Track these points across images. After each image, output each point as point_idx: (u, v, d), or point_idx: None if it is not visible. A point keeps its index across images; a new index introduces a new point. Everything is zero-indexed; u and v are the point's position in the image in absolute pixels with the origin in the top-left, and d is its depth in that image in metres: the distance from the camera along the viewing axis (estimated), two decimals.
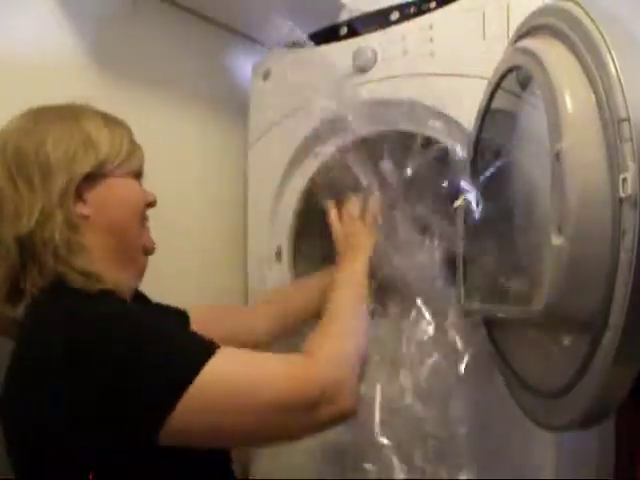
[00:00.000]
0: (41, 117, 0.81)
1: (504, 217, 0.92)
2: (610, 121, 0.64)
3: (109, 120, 0.85)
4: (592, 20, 0.68)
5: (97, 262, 0.77)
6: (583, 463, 1.08)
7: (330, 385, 0.72)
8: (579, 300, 0.66)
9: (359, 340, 0.84)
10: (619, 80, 0.63)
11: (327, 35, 1.23)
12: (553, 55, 0.73)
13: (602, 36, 0.66)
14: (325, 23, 1.26)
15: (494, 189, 0.94)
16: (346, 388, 0.74)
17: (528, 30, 0.84)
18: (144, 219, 0.86)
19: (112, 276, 0.78)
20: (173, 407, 0.65)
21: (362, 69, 1.16)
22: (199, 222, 1.37)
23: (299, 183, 1.27)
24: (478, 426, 0.99)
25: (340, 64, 1.18)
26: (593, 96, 0.66)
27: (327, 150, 1.23)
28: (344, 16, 1.31)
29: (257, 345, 1.01)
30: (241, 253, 1.37)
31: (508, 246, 0.92)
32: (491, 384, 0.96)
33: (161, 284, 0.95)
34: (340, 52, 1.19)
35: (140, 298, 0.91)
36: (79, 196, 0.78)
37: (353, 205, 1.11)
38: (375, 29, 1.16)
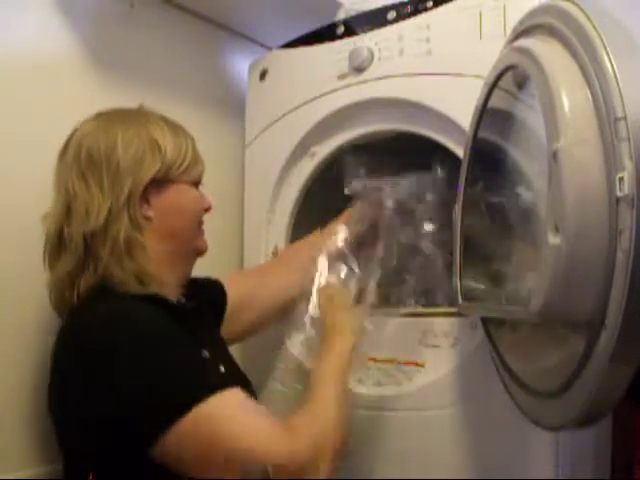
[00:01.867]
0: (111, 121, 0.86)
1: (500, 217, 0.92)
2: (607, 120, 0.64)
3: (174, 127, 0.90)
4: (589, 19, 0.68)
5: (151, 263, 0.83)
6: (581, 463, 1.08)
7: (301, 465, 0.72)
8: (576, 300, 0.66)
9: (339, 424, 0.81)
10: (616, 79, 0.63)
11: (324, 34, 1.23)
12: (550, 54, 0.72)
13: (599, 35, 0.66)
14: (322, 22, 1.26)
15: (490, 189, 0.94)
16: (317, 472, 0.74)
17: (525, 29, 0.84)
18: (201, 223, 0.93)
19: (161, 278, 0.83)
20: (169, 426, 0.69)
21: (359, 68, 1.16)
22: None
23: (296, 182, 1.27)
24: (478, 426, 0.99)
25: (337, 63, 1.18)
26: (590, 95, 0.66)
27: (324, 150, 1.24)
28: (341, 15, 1.31)
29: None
30: (238, 252, 1.36)
31: (505, 246, 0.92)
32: (489, 384, 0.96)
33: None
34: (337, 51, 1.19)
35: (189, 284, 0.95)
36: (145, 199, 0.84)
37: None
38: (372, 28, 1.16)
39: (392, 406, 1.07)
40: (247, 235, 1.35)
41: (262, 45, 1.52)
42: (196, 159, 0.91)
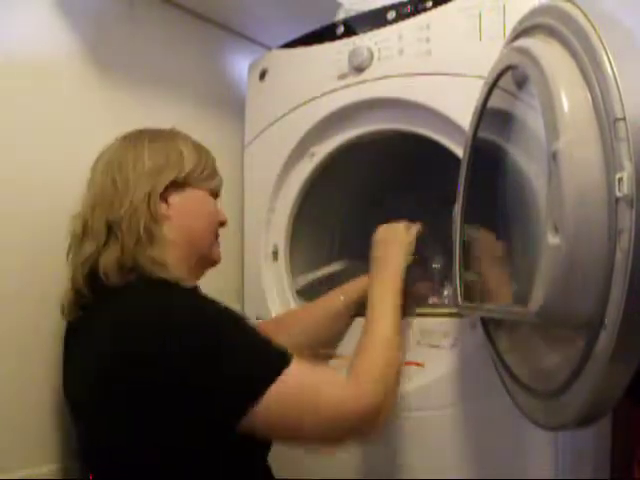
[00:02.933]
0: (140, 138, 0.93)
1: (500, 216, 0.92)
2: (606, 121, 0.64)
3: (199, 145, 0.97)
4: (588, 20, 0.68)
5: (170, 255, 0.87)
6: (580, 463, 1.08)
7: (373, 412, 0.80)
8: (575, 300, 0.66)
9: (396, 362, 0.88)
10: (615, 80, 0.63)
11: (324, 34, 1.23)
12: (549, 54, 0.72)
13: (598, 36, 0.66)
14: (322, 22, 1.26)
15: (490, 188, 0.94)
16: (383, 416, 0.82)
17: (524, 29, 0.84)
18: (217, 234, 0.98)
19: (179, 272, 0.87)
20: (257, 401, 0.74)
21: (358, 68, 1.16)
22: None
23: (296, 182, 1.28)
24: (478, 426, 0.99)
25: (337, 63, 1.19)
26: (589, 96, 0.66)
27: (323, 150, 1.24)
28: (341, 15, 1.31)
29: None
30: (238, 252, 1.37)
31: (505, 246, 0.92)
32: (489, 384, 0.97)
33: None
34: (337, 51, 1.19)
35: None
36: (164, 199, 0.89)
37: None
38: (371, 28, 1.16)
39: None
40: (247, 235, 1.35)
41: (262, 45, 1.52)
42: (216, 172, 0.98)
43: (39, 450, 1.00)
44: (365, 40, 1.16)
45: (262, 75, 1.33)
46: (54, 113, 1.05)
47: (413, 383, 1.05)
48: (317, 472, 1.14)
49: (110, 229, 0.86)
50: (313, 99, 1.22)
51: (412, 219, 1.10)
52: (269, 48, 1.42)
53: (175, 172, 0.91)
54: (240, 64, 1.44)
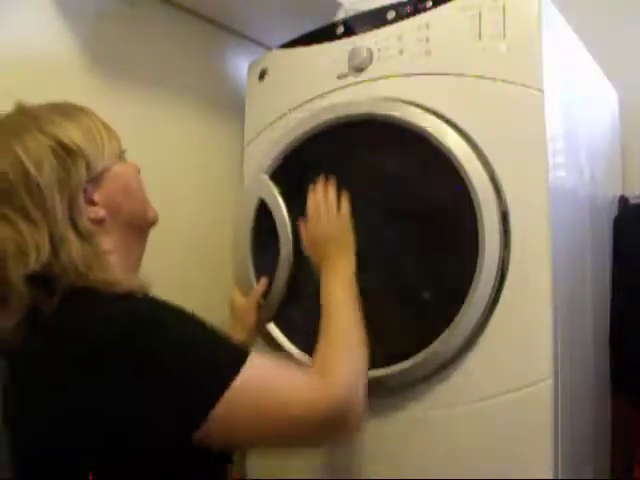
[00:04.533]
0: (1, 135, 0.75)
1: None
2: None
3: (65, 112, 0.79)
4: None
5: (114, 268, 0.76)
6: (581, 463, 1.08)
7: (344, 407, 0.74)
8: None
9: (364, 352, 0.85)
10: None
11: (323, 34, 1.23)
12: None
13: None
14: (321, 22, 1.26)
15: None
16: (357, 409, 0.77)
17: None
18: (144, 191, 0.85)
19: (128, 279, 0.76)
20: (213, 406, 0.66)
21: (358, 68, 1.16)
22: (195, 220, 1.37)
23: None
24: (478, 426, 0.99)
25: (336, 63, 1.18)
26: None
27: None
28: (340, 15, 1.31)
29: None
30: None
31: None
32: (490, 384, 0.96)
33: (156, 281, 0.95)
34: (336, 51, 1.19)
35: None
36: (89, 201, 0.76)
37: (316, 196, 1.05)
38: (371, 28, 1.16)
39: (390, 408, 1.07)
40: None
41: (262, 45, 1.52)
42: (109, 134, 0.81)
43: None
44: (365, 40, 1.16)
45: (262, 75, 1.32)
46: None
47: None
48: (313, 473, 1.14)
49: (35, 285, 0.70)
50: (313, 99, 1.22)
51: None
52: (269, 48, 1.42)
53: (81, 174, 0.75)
54: (240, 64, 1.44)
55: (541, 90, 0.96)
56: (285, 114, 1.26)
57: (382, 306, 1.13)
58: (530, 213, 0.96)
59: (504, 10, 1.00)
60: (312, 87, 1.22)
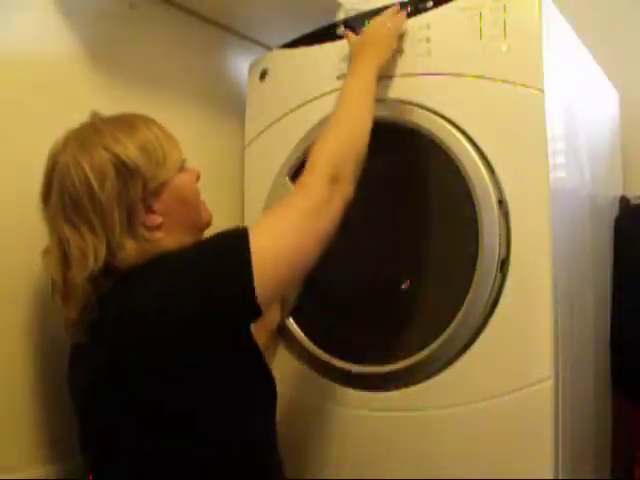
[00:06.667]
0: (74, 147, 0.84)
1: None
2: None
3: (128, 127, 0.86)
4: None
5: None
6: (581, 463, 1.08)
7: (333, 175, 0.87)
8: None
9: (360, 138, 0.95)
10: None
11: (324, 34, 1.23)
12: None
13: None
14: (322, 22, 1.26)
15: None
16: (346, 177, 0.89)
17: None
18: (199, 197, 0.94)
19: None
20: (253, 277, 0.76)
21: None
22: None
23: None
24: (478, 426, 0.99)
25: (337, 64, 1.18)
26: None
27: None
28: (341, 15, 1.31)
29: None
30: None
31: None
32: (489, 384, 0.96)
33: None
34: (337, 52, 1.19)
35: None
36: (148, 210, 0.84)
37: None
38: None
39: (392, 406, 1.07)
40: None
41: (262, 45, 1.52)
42: (170, 147, 0.89)
43: (39, 450, 1.00)
44: None
45: (262, 75, 1.32)
46: (54, 113, 1.05)
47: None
48: (316, 472, 1.14)
49: (95, 283, 0.81)
50: (313, 99, 1.22)
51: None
52: (269, 48, 1.42)
53: (138, 190, 0.83)
54: (240, 64, 1.44)
55: (542, 90, 0.96)
56: (286, 114, 1.26)
57: (382, 306, 1.13)
58: (531, 213, 0.96)
59: (504, 10, 1.00)
60: (312, 87, 1.22)
